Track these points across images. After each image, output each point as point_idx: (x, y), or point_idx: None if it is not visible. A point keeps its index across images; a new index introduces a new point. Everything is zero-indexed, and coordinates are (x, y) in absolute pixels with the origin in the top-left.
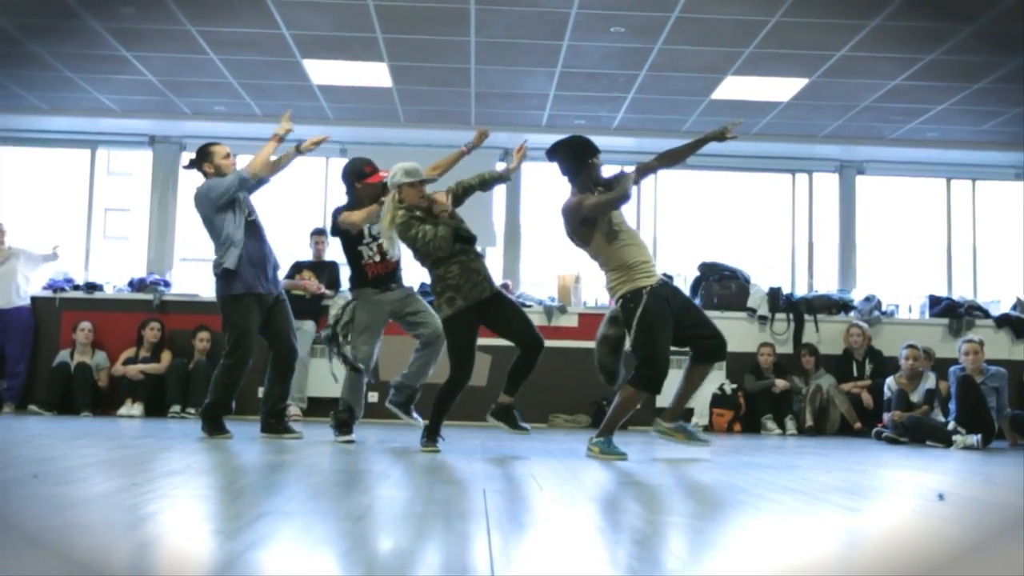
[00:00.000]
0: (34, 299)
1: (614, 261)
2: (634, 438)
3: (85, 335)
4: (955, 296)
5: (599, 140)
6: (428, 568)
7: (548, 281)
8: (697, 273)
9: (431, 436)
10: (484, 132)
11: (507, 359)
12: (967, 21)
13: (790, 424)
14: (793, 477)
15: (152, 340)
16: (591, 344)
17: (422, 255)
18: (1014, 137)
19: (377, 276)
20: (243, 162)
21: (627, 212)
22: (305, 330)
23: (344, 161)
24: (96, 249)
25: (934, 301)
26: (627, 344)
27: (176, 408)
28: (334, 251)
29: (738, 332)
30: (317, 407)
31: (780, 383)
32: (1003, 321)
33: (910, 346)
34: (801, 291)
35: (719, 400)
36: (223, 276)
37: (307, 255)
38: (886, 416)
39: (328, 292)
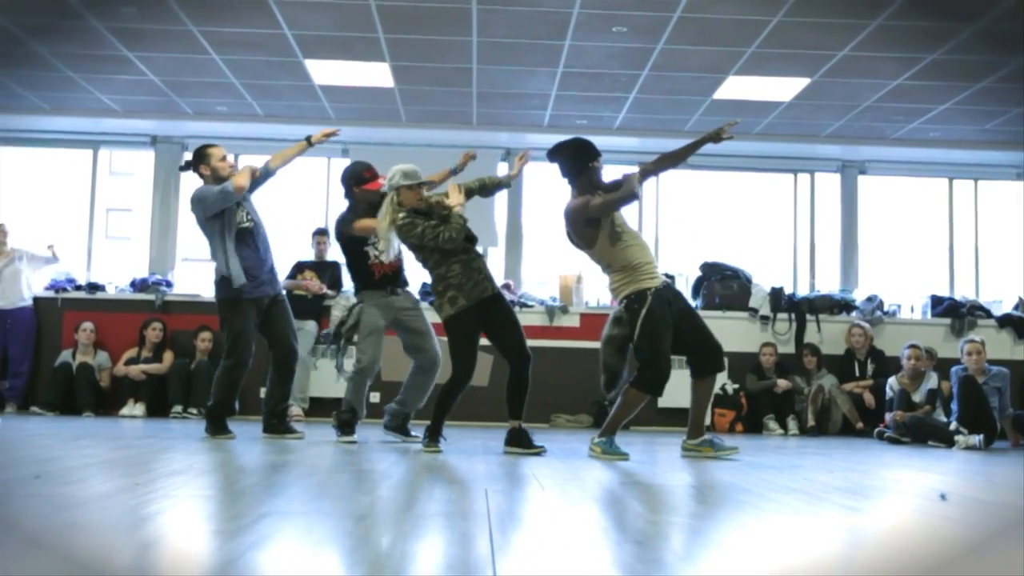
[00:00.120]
0: (36, 299)
1: (618, 262)
2: (636, 438)
3: (87, 335)
4: (957, 296)
5: (601, 140)
6: (430, 568)
7: (550, 281)
8: (699, 273)
9: (433, 436)
10: (470, 154)
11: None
12: (969, 21)
13: (792, 424)
14: (795, 477)
15: (154, 340)
16: (593, 344)
17: (428, 251)
18: (1016, 137)
19: (384, 276)
20: (244, 162)
21: (629, 212)
22: (307, 330)
23: (346, 161)
24: (98, 249)
25: (936, 301)
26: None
27: (178, 408)
28: (336, 251)
29: (740, 332)
30: (319, 407)
31: (782, 383)
32: (1005, 321)
33: (912, 346)
34: (803, 291)
35: (721, 400)
36: (218, 280)
37: (309, 255)
38: (888, 416)
39: (330, 292)
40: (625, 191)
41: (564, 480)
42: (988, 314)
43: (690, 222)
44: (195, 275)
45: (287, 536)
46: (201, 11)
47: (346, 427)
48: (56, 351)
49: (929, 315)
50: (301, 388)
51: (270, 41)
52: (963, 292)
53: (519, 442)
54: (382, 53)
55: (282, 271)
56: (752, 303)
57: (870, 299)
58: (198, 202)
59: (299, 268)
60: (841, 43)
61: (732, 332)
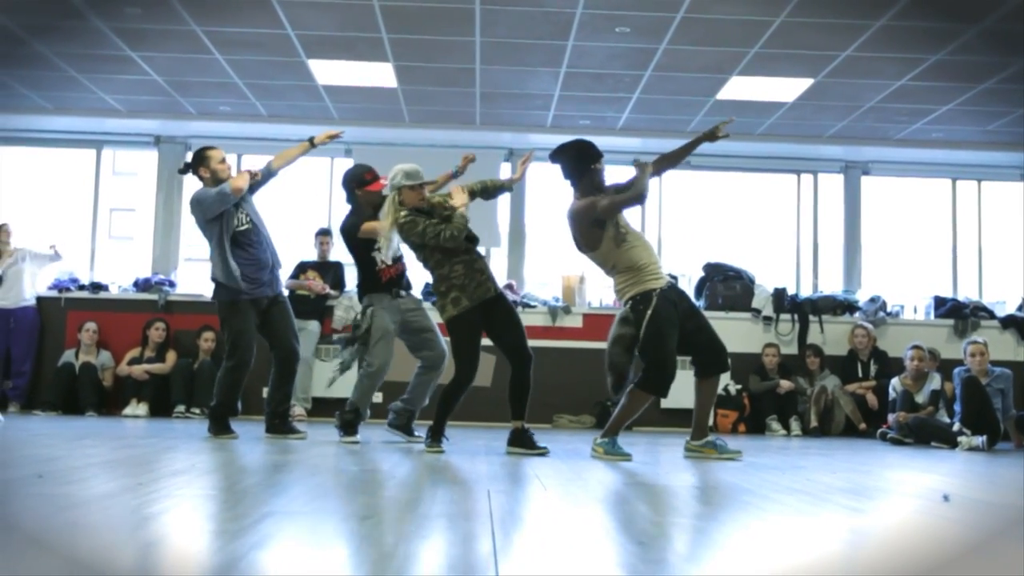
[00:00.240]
0: (39, 299)
1: (623, 263)
2: (639, 439)
3: (90, 335)
4: (960, 297)
5: (604, 140)
6: (432, 568)
7: (552, 282)
8: (702, 274)
9: (435, 436)
10: (470, 157)
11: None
12: (973, 21)
13: (795, 425)
14: (797, 478)
15: (157, 340)
16: (595, 344)
17: (429, 251)
18: (1020, 138)
19: (390, 279)
20: (246, 163)
21: (632, 213)
22: (309, 330)
23: (349, 162)
24: (101, 249)
25: (939, 302)
26: None
27: (181, 408)
28: (339, 251)
29: (743, 333)
30: (322, 407)
31: (785, 384)
32: (1008, 322)
33: (915, 347)
34: (806, 292)
35: (724, 401)
36: (216, 282)
37: (312, 255)
38: (891, 417)
39: (333, 292)
40: (634, 192)
41: (566, 481)
42: (991, 315)
43: (693, 223)
44: (198, 275)
45: (290, 536)
46: (204, 11)
47: (349, 427)
48: (59, 351)
49: (932, 316)
50: (304, 388)
51: (273, 41)
52: (966, 293)
53: (522, 443)
54: (385, 53)
55: (285, 271)
56: (755, 304)
57: (873, 300)
58: (197, 204)
59: (302, 268)
60: (844, 44)
61: (735, 333)
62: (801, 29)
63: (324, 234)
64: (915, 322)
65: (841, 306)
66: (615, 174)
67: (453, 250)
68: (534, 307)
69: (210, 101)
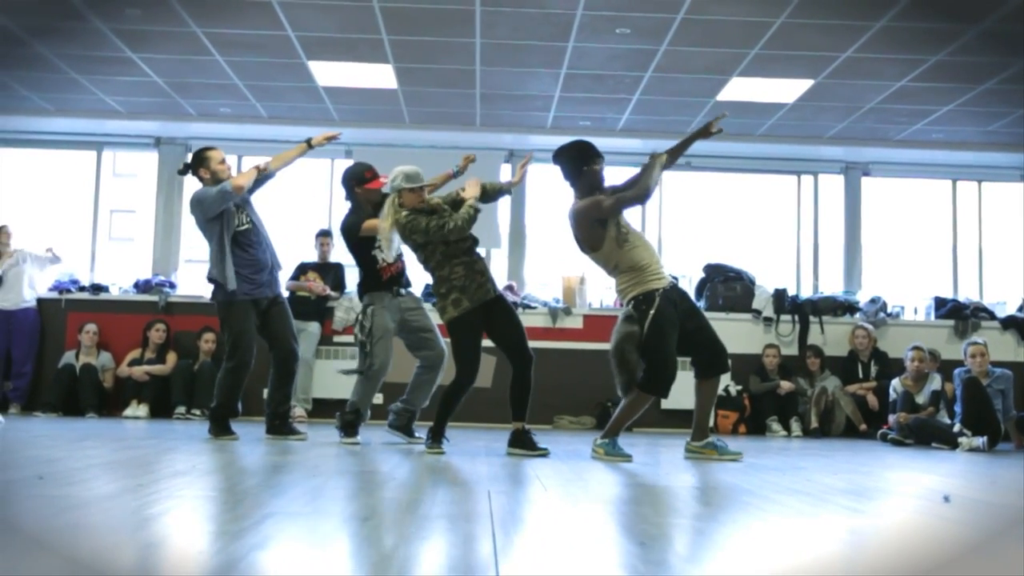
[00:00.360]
0: (40, 300)
1: (625, 264)
2: (639, 440)
3: (90, 336)
4: (961, 298)
5: (604, 141)
6: (433, 569)
7: (553, 282)
8: (702, 274)
9: (436, 437)
10: (470, 158)
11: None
12: (973, 22)
13: (795, 426)
14: (798, 479)
15: (157, 341)
16: (596, 345)
17: (430, 252)
18: (1020, 138)
19: (391, 278)
20: (246, 165)
21: (632, 213)
22: (310, 331)
23: (349, 163)
24: (102, 251)
25: (940, 303)
26: None
27: (181, 409)
28: (339, 252)
29: (743, 334)
30: (322, 408)
31: (785, 385)
32: (1009, 323)
33: (916, 348)
34: (806, 293)
35: (724, 401)
36: (214, 282)
37: (312, 256)
38: (891, 418)
39: (333, 293)
40: (639, 188)
41: (567, 481)
42: (992, 316)
43: (693, 224)
44: (198, 276)
45: (290, 537)
46: (205, 12)
47: (350, 428)
48: (59, 352)
49: (933, 317)
50: (304, 389)
51: (273, 42)
52: (967, 294)
53: (522, 443)
54: (385, 55)
55: (285, 273)
56: (755, 305)
57: (873, 301)
58: (197, 204)
59: (302, 269)
60: (845, 45)
61: (735, 334)
62: (801, 30)
63: (324, 235)
64: (915, 323)
65: (841, 307)
66: (616, 175)
67: (453, 252)
68: (534, 308)
69: (210, 102)
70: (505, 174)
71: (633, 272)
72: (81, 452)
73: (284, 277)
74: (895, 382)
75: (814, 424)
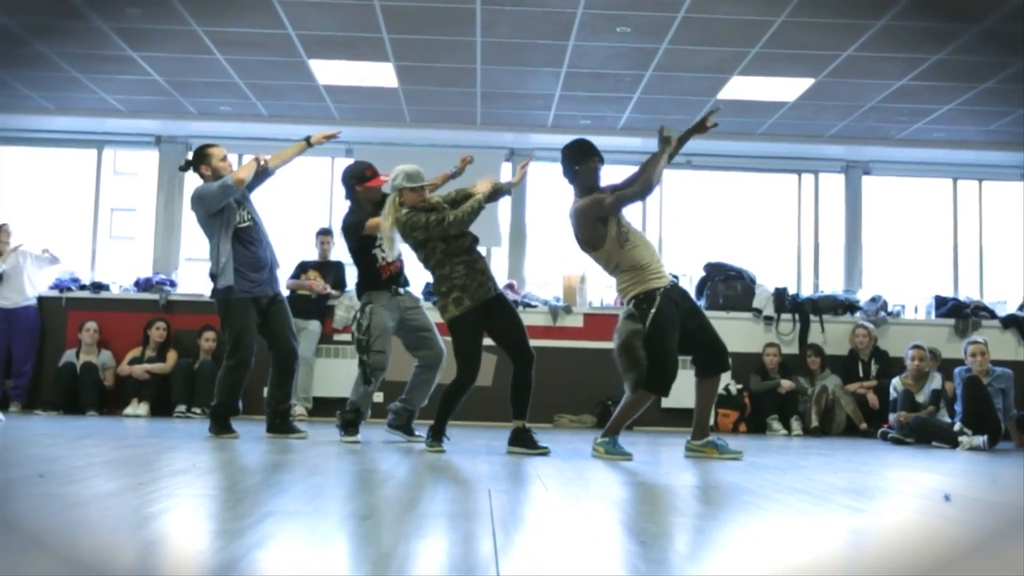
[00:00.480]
0: (40, 299)
1: (626, 263)
2: (639, 438)
3: (91, 335)
4: (961, 297)
5: (605, 140)
6: (433, 568)
7: (553, 281)
8: (703, 273)
9: (436, 436)
10: (468, 159)
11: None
12: (973, 21)
13: (795, 425)
14: (798, 478)
15: (158, 340)
16: (597, 344)
17: (430, 250)
18: (1021, 137)
19: (390, 276)
20: (247, 162)
21: (633, 212)
22: (310, 330)
23: (350, 161)
24: (102, 249)
25: (940, 302)
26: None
27: (182, 408)
28: (340, 251)
29: (743, 332)
30: (323, 407)
31: (786, 383)
32: (1009, 322)
33: (916, 346)
34: (807, 291)
35: (724, 400)
36: (217, 282)
37: (313, 255)
38: (892, 417)
39: (334, 292)
40: (641, 184)
41: (567, 480)
42: (992, 315)
43: (694, 222)
44: (199, 275)
45: (290, 536)
46: (205, 11)
47: (350, 427)
48: (60, 351)
49: (933, 316)
50: (305, 388)
51: (274, 41)
52: (967, 293)
53: (523, 442)
54: (386, 53)
55: (286, 271)
56: (756, 303)
57: (874, 300)
58: (199, 200)
59: (303, 268)
60: (845, 43)
61: (736, 332)
62: (802, 29)
63: (325, 234)
64: (916, 322)
65: (842, 306)
66: (617, 174)
67: (454, 251)
68: (535, 307)
69: (211, 101)
70: (506, 173)
71: (634, 271)
72: (81, 450)
73: (284, 276)
74: (895, 381)
75: (814, 423)
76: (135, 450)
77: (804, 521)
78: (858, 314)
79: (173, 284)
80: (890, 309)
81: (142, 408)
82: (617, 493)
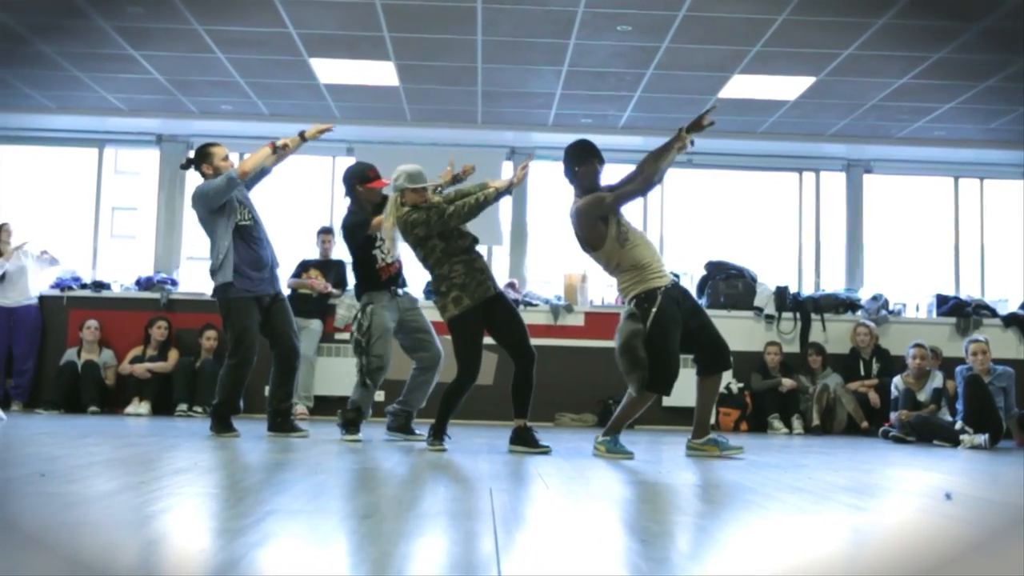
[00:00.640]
0: (42, 298)
1: (627, 262)
2: (640, 437)
3: (92, 333)
4: (963, 295)
5: (605, 139)
6: (434, 567)
7: (555, 280)
8: (704, 272)
9: (437, 435)
10: (469, 170)
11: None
12: (974, 19)
13: (796, 423)
14: (800, 476)
15: (159, 339)
16: (598, 343)
17: (429, 249)
18: (1022, 136)
19: (390, 278)
20: None
21: (634, 211)
22: (312, 329)
23: (351, 160)
24: (103, 248)
25: (941, 300)
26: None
27: (183, 406)
28: (341, 250)
29: (744, 331)
30: (324, 406)
31: (787, 382)
32: (1011, 320)
33: (917, 345)
34: (808, 290)
35: (725, 399)
36: (215, 279)
37: (314, 254)
38: (893, 415)
39: (335, 291)
40: (644, 179)
41: (569, 479)
42: (993, 313)
43: (695, 221)
44: (200, 274)
45: (291, 534)
46: (206, 10)
47: (351, 426)
48: (61, 349)
49: (934, 314)
50: (306, 387)
51: (275, 40)
52: (968, 291)
53: (524, 441)
54: (387, 52)
55: (286, 270)
56: (757, 302)
57: (875, 298)
58: (201, 196)
59: (304, 267)
60: (846, 42)
61: (737, 331)
62: (803, 28)
63: (326, 232)
64: (917, 320)
65: (843, 304)
66: (617, 173)
67: (453, 250)
68: (536, 306)
69: (212, 100)
70: (507, 172)
71: (635, 271)
72: (82, 449)
73: (285, 275)
74: (897, 379)
75: (816, 422)
76: (136, 449)
77: (805, 520)
78: (859, 312)
79: (174, 283)
80: (891, 308)
81: (143, 407)
82: (618, 492)
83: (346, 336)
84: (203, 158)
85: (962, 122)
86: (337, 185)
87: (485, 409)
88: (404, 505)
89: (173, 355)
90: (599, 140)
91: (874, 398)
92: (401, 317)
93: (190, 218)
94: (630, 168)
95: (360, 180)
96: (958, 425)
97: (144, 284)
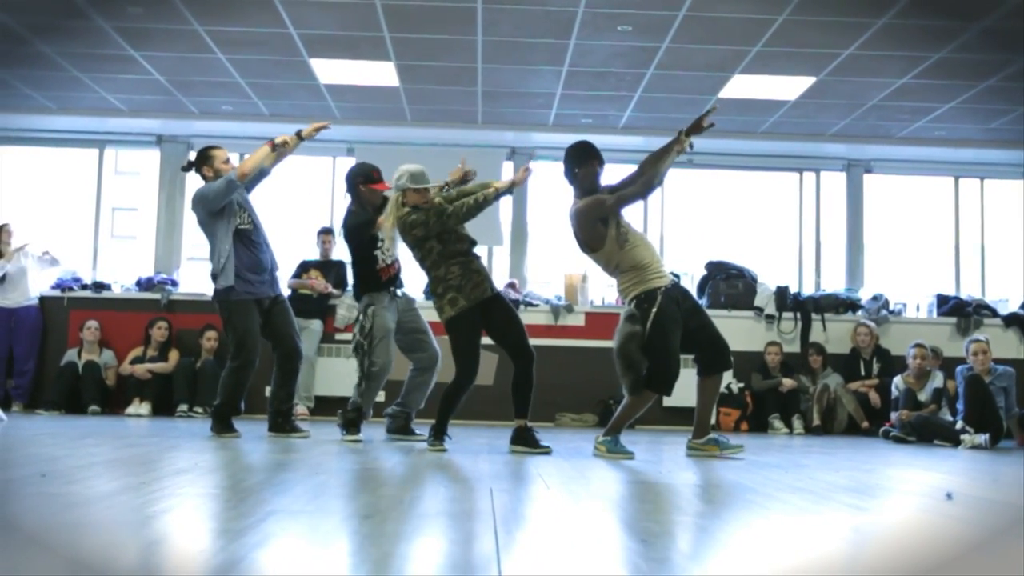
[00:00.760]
0: (42, 298)
1: (626, 263)
2: (641, 437)
3: (92, 333)
4: (963, 295)
5: (606, 139)
6: (434, 567)
7: (555, 280)
8: (704, 272)
9: (438, 435)
10: (471, 173)
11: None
12: (974, 19)
13: (797, 423)
14: (800, 476)
15: (160, 339)
16: (598, 343)
17: (426, 250)
18: (1022, 135)
19: (390, 279)
20: None
21: (634, 210)
22: (312, 329)
23: (351, 161)
24: (104, 248)
25: (942, 300)
26: None
27: (183, 407)
28: (341, 250)
29: (745, 331)
30: (324, 406)
31: (787, 382)
32: (1011, 320)
33: (918, 345)
34: (808, 290)
35: (726, 399)
36: (217, 282)
37: (314, 254)
38: (893, 415)
39: (335, 291)
40: (644, 182)
41: (569, 479)
42: (994, 313)
43: (695, 221)
44: (200, 274)
45: (292, 535)
46: (207, 11)
47: (351, 426)
48: (62, 350)
49: (935, 314)
50: (306, 387)
51: (275, 40)
52: (969, 291)
53: (525, 441)
54: (387, 52)
55: (287, 271)
56: (757, 302)
57: (876, 298)
58: (200, 199)
59: (304, 267)
60: (846, 42)
61: (737, 331)
62: (803, 27)
63: (326, 233)
64: (917, 320)
65: (844, 304)
66: (617, 173)
67: (450, 252)
68: (536, 306)
69: (212, 100)
70: (507, 172)
71: (635, 271)
72: (83, 450)
73: (285, 275)
74: (897, 379)
75: (816, 422)
76: (137, 449)
77: (806, 520)
78: (860, 312)
79: (175, 283)
80: (892, 307)
81: (144, 408)
82: (619, 492)
83: (346, 336)
84: (204, 161)
85: (962, 122)
86: (337, 185)
87: (485, 409)
88: (405, 505)
89: (173, 356)
90: (599, 140)
91: (874, 398)
92: (400, 317)
93: (190, 219)
94: (630, 168)
95: (364, 180)
96: (959, 425)
97: (144, 285)
